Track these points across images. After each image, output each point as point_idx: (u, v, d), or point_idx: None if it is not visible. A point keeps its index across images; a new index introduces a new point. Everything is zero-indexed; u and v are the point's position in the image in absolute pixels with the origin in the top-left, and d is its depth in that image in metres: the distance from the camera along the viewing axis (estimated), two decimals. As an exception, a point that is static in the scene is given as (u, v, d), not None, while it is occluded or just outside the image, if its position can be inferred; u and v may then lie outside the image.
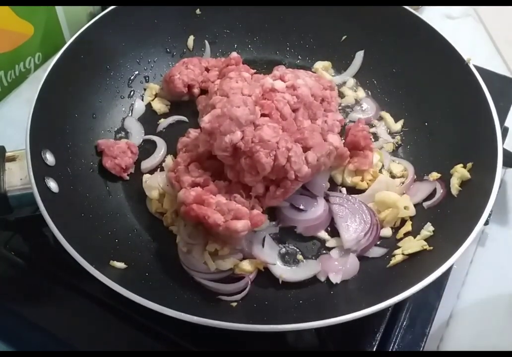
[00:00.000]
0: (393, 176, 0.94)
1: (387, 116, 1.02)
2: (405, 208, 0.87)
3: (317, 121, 0.84)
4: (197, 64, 1.03)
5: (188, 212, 0.78)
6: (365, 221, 0.85)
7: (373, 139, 0.97)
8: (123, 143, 0.94)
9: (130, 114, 1.01)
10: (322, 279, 0.82)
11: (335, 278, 0.81)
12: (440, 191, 0.88)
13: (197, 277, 0.81)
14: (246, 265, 0.82)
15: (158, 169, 0.94)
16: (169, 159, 0.94)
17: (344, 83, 1.07)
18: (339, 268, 0.82)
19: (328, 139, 0.83)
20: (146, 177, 0.91)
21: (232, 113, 0.77)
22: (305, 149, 0.80)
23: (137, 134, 0.99)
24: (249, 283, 0.81)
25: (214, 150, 0.79)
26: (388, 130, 1.01)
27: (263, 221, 0.80)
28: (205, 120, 0.79)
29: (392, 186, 0.91)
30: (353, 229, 0.85)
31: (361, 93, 1.06)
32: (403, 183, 0.92)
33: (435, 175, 0.90)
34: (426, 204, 0.88)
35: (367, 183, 0.92)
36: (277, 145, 0.77)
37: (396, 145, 0.99)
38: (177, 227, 0.86)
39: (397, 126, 1.00)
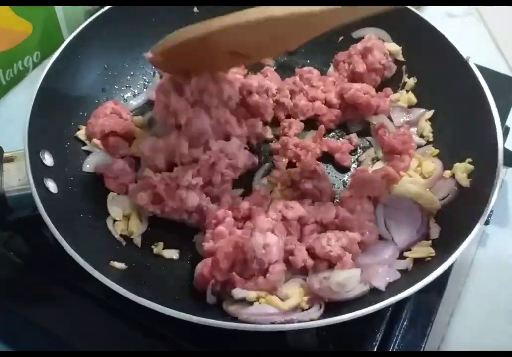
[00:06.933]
0: (423, 176, 0.91)
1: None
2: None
3: None
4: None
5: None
6: (414, 219, 0.83)
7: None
8: (120, 160, 0.89)
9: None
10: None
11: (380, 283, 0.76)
12: (454, 189, 0.85)
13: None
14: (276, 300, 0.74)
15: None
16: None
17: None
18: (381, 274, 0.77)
19: None
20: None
21: None
22: None
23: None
24: None
25: None
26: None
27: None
28: None
29: (417, 183, 0.88)
30: (405, 229, 0.83)
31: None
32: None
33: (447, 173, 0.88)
34: (441, 203, 0.85)
35: None
36: None
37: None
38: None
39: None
